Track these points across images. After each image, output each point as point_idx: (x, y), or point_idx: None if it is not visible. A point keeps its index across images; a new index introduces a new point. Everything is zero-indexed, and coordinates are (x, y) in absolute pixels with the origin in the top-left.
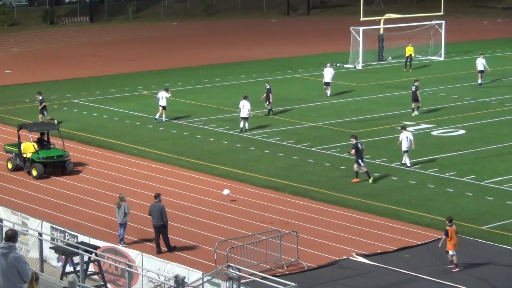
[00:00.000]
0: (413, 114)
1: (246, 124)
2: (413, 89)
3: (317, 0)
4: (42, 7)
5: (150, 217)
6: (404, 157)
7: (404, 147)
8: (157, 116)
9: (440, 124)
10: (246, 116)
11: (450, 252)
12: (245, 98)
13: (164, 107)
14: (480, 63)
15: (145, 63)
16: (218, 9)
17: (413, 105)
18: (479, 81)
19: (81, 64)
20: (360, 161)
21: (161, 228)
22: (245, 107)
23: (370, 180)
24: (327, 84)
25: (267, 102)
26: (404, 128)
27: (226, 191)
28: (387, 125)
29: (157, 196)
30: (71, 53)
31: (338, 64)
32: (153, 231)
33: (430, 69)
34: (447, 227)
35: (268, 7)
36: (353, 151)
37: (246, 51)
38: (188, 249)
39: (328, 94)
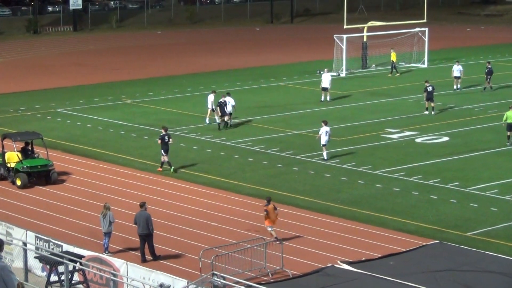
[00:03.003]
0: (430, 113)
1: (230, 120)
2: (430, 89)
3: (301, 8)
4: (26, 16)
5: (135, 226)
6: (324, 150)
7: (323, 141)
8: (207, 121)
9: (424, 131)
10: (231, 111)
11: (268, 228)
12: (229, 94)
13: (213, 109)
14: (456, 70)
15: (129, 72)
16: (202, 17)
17: (428, 104)
18: (455, 87)
19: (64, 73)
20: (163, 151)
21: (147, 237)
22: (229, 104)
23: (172, 170)
24: (324, 89)
25: (221, 114)
26: (325, 123)
27: None
28: (371, 133)
29: (142, 204)
30: (54, 62)
31: (321, 72)
32: (138, 239)
33: (413, 76)
34: (265, 207)
35: (252, 16)
36: (159, 141)
37: (230, 59)
38: (173, 257)
39: (328, 99)
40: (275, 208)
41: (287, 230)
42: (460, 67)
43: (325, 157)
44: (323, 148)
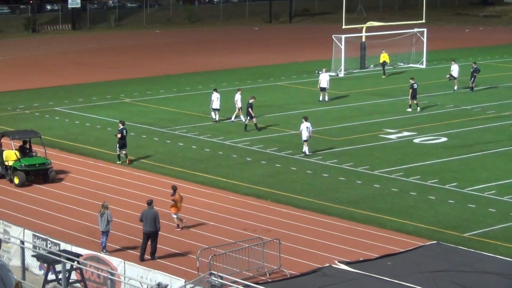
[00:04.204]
0: (415, 109)
1: (217, 116)
2: (415, 87)
3: (299, 8)
4: (24, 15)
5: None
6: (304, 146)
7: (304, 136)
8: (242, 119)
9: (422, 131)
10: (218, 107)
11: (173, 215)
12: (216, 90)
13: (240, 108)
14: (456, 70)
15: (127, 71)
16: (201, 17)
17: (413, 101)
18: (455, 87)
19: (63, 71)
20: (118, 145)
21: (152, 235)
22: (218, 99)
23: (122, 161)
24: (323, 89)
25: (252, 116)
26: (305, 118)
27: None
28: (369, 133)
29: (150, 202)
30: (53, 61)
31: (319, 72)
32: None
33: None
34: (172, 197)
35: (251, 15)
36: (119, 135)
37: (228, 59)
38: (170, 256)
39: (326, 99)
40: (181, 198)
41: (285, 230)
42: (456, 66)
43: (307, 152)
44: (305, 143)
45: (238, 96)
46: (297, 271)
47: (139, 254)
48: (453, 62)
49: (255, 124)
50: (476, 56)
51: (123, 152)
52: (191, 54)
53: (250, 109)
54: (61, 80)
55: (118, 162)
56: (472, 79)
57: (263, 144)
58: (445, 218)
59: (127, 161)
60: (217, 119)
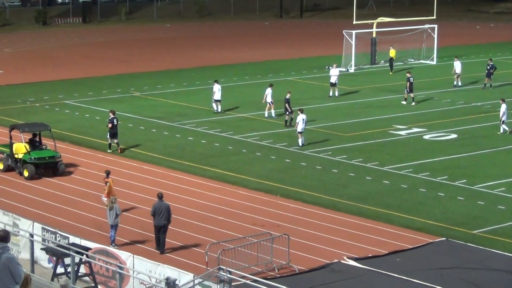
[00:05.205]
0: (409, 103)
1: (219, 107)
2: (412, 80)
3: (310, 3)
4: (35, 7)
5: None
6: (299, 137)
7: (299, 128)
8: (272, 113)
9: (432, 128)
10: (220, 98)
11: (105, 200)
12: (217, 82)
13: (271, 103)
14: (458, 66)
15: (138, 65)
16: (211, 11)
17: (409, 95)
18: (459, 83)
19: (73, 65)
20: (109, 134)
21: (163, 228)
22: (219, 90)
23: (109, 151)
24: (333, 84)
25: (290, 111)
26: (301, 110)
27: None
28: (379, 129)
29: (162, 196)
30: (63, 54)
31: (329, 67)
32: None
33: (422, 72)
34: (106, 179)
35: (261, 10)
36: (110, 125)
37: (239, 53)
38: (179, 251)
39: (336, 95)
40: (111, 181)
41: (294, 225)
42: (458, 63)
43: (300, 144)
44: (299, 135)
45: (268, 91)
46: (306, 266)
47: (147, 247)
48: (455, 59)
49: (286, 120)
50: (487, 52)
51: (115, 141)
52: (201, 48)
53: (287, 105)
54: (71, 73)
55: (108, 151)
56: (490, 76)
57: (273, 139)
58: (454, 215)
59: (119, 150)
60: (219, 110)
